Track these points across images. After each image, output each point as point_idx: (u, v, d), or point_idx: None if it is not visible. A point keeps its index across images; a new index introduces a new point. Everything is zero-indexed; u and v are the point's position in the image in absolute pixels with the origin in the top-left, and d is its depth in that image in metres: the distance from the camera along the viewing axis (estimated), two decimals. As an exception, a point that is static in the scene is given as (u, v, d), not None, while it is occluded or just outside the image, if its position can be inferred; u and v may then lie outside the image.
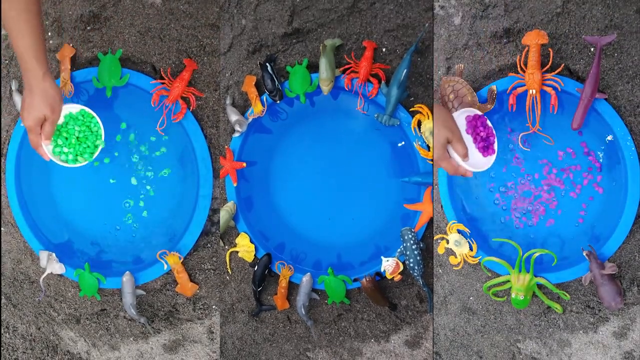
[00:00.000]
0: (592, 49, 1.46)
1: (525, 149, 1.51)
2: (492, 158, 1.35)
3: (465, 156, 1.26)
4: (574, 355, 1.50)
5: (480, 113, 1.37)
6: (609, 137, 1.47)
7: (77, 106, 1.43)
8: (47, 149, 1.37)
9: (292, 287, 1.59)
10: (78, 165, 1.44)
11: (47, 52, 1.23)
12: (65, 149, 1.42)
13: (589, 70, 1.42)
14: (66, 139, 1.42)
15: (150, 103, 1.56)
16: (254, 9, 1.57)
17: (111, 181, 1.62)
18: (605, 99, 1.45)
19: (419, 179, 1.51)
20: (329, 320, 1.60)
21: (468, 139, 1.38)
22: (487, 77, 1.52)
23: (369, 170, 1.59)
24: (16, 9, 1.14)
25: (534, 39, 1.43)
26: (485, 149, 1.35)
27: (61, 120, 1.40)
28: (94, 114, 1.44)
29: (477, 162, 1.35)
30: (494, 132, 1.37)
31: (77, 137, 1.43)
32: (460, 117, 1.39)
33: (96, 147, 1.45)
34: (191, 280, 1.59)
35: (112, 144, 1.62)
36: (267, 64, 1.54)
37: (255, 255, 1.58)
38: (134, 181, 1.61)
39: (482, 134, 1.36)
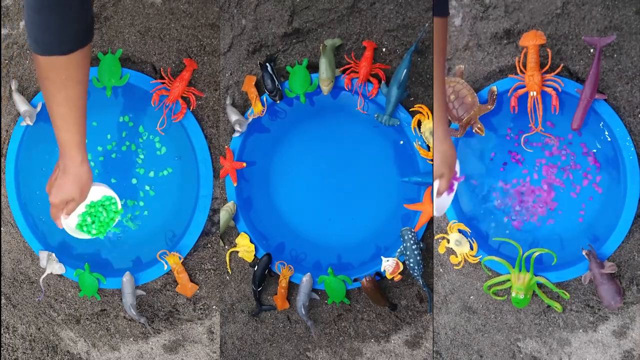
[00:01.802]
0: (591, 50, 1.47)
1: (529, 150, 1.51)
2: (450, 197, 1.40)
3: (440, 195, 1.35)
4: (573, 354, 1.50)
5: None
6: (608, 138, 1.48)
7: (104, 190, 1.44)
8: (65, 221, 1.40)
9: (292, 287, 1.59)
10: (90, 237, 1.45)
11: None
12: (89, 223, 1.44)
13: (588, 71, 1.42)
14: (92, 219, 1.44)
15: (150, 103, 1.56)
16: (254, 9, 1.57)
17: (111, 181, 1.62)
18: (605, 100, 1.45)
19: (419, 179, 1.52)
20: (329, 320, 1.60)
21: None
22: (487, 78, 1.52)
23: (369, 170, 1.59)
24: (67, 106, 1.19)
25: (531, 40, 1.43)
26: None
27: (88, 201, 1.42)
28: (116, 197, 1.45)
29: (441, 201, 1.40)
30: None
31: (100, 219, 1.44)
32: None
33: (108, 224, 1.46)
34: (191, 281, 1.59)
35: (112, 144, 1.62)
36: (267, 64, 1.54)
37: (255, 255, 1.58)
38: (134, 181, 1.61)
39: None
